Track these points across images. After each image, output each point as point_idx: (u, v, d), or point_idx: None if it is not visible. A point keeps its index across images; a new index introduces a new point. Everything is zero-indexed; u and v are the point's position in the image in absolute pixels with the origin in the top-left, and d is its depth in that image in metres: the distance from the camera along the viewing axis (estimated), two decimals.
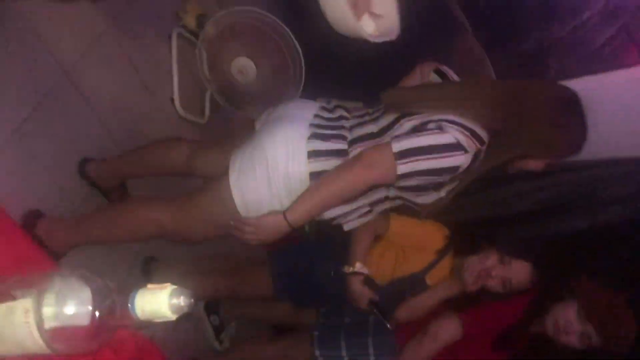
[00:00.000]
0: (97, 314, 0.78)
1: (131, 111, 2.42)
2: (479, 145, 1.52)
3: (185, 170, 1.97)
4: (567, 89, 1.59)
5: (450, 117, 1.52)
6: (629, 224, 2.36)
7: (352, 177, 1.53)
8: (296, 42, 2.32)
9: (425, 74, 1.80)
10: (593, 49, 2.48)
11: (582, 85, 2.54)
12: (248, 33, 2.40)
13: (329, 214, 1.71)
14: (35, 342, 0.74)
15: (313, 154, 1.63)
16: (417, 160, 1.48)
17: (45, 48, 1.99)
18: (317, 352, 2.19)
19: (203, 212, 1.75)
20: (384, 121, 1.65)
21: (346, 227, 1.79)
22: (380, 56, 2.23)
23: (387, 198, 1.72)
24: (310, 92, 2.27)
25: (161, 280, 2.66)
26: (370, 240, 2.05)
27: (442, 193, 1.63)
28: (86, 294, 0.79)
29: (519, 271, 1.95)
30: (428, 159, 1.47)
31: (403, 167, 1.49)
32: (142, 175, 2.16)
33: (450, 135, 1.48)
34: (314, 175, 1.62)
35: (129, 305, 0.75)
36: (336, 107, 1.80)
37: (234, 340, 2.72)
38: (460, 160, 1.48)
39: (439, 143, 1.48)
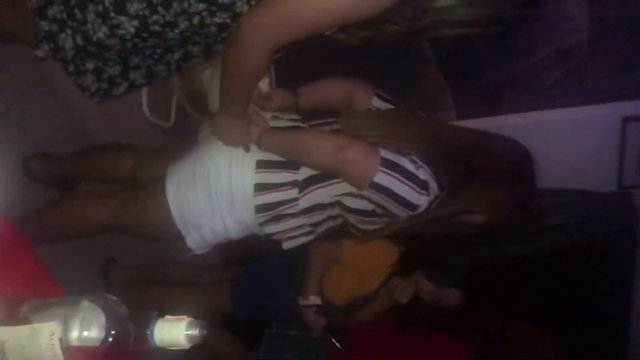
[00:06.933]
0: (110, 339, 0.85)
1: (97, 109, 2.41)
2: (437, 193, 1.45)
3: (128, 181, 1.88)
4: (521, 148, 1.53)
5: (414, 156, 1.45)
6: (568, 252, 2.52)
7: (330, 156, 1.42)
8: None
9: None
10: (545, 87, 2.66)
11: (532, 119, 2.74)
12: None
13: (268, 229, 1.61)
14: None
15: (262, 165, 1.55)
16: (397, 178, 1.40)
17: None
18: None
19: (140, 213, 1.67)
20: None
21: (285, 245, 1.67)
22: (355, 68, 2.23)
23: (329, 218, 1.62)
24: None
25: (118, 282, 2.63)
26: (322, 269, 2.04)
27: (382, 224, 1.57)
28: (102, 319, 0.85)
29: (449, 297, 2.07)
30: (405, 183, 1.39)
31: (382, 177, 1.39)
32: (84, 179, 2.09)
33: (424, 172, 1.43)
34: (260, 187, 1.54)
35: (148, 334, 0.81)
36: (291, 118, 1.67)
37: None
38: (422, 200, 1.41)
39: (416, 177, 1.42)
